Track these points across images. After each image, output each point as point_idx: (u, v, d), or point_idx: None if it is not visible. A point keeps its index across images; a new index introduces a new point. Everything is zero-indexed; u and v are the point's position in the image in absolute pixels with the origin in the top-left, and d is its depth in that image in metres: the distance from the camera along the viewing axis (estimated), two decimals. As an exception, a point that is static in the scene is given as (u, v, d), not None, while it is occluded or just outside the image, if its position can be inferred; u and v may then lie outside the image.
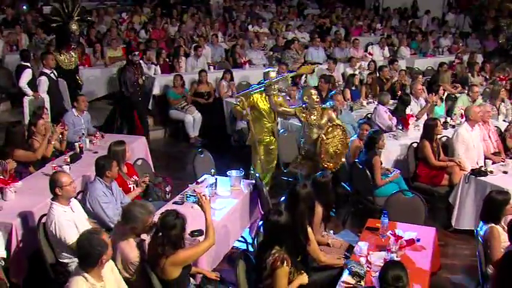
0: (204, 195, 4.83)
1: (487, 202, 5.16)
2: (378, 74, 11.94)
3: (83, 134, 7.74)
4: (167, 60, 11.99)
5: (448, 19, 20.85)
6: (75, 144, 7.23)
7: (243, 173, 6.49)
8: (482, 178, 6.88)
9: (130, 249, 4.40)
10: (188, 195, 5.71)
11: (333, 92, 9.36)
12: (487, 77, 12.63)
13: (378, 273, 4.42)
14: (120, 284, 4.09)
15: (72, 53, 9.24)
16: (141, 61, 11.39)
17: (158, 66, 11.46)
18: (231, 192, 6.17)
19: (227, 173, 6.46)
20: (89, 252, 3.72)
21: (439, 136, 7.73)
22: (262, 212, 6.63)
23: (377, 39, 16.58)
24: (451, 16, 21.11)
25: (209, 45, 13.41)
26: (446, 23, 20.09)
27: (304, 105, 7.15)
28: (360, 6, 21.70)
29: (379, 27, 18.30)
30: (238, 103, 7.67)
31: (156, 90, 11.16)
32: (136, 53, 9.84)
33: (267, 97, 7.41)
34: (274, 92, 7.44)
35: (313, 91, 7.21)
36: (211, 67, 12.19)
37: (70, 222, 4.91)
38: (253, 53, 13.17)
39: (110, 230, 5.37)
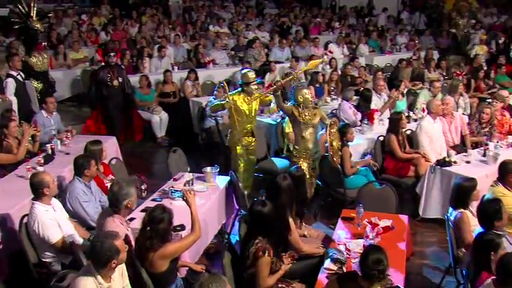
0: (188, 191, 4.92)
1: (456, 189, 5.40)
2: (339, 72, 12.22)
3: (54, 135, 7.71)
4: (131, 61, 11.97)
5: (403, 17, 21.37)
6: (47, 145, 7.22)
7: (218, 169, 6.60)
8: (447, 168, 7.15)
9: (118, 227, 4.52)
10: (173, 191, 5.79)
11: (294, 88, 9.52)
12: (444, 73, 13.01)
13: (357, 260, 4.64)
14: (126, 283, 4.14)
15: (44, 54, 9.12)
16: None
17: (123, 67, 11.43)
18: (208, 189, 6.27)
19: (202, 169, 6.57)
20: (99, 255, 3.75)
21: (404, 129, 7.98)
22: (238, 207, 6.79)
23: (335, 38, 16.91)
24: (405, 14, 21.65)
25: (172, 46, 13.43)
26: (401, 21, 20.58)
27: (297, 104, 7.01)
28: (317, 5, 22.03)
29: (337, 26, 18.65)
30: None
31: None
32: (112, 54, 9.81)
33: (246, 98, 7.27)
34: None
35: (307, 90, 7.16)
36: (176, 67, 12.23)
37: (53, 221, 4.93)
38: (216, 53, 13.26)
39: (90, 229, 5.46)
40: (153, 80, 11.23)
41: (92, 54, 12.83)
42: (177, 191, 5.71)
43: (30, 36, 9.01)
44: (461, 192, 5.33)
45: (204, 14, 17.82)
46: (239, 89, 7.36)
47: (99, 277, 3.78)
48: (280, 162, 8.14)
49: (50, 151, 7.13)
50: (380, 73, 11.95)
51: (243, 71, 7.53)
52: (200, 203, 5.84)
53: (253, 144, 7.54)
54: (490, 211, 4.75)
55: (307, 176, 6.69)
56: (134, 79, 11.01)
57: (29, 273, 5.06)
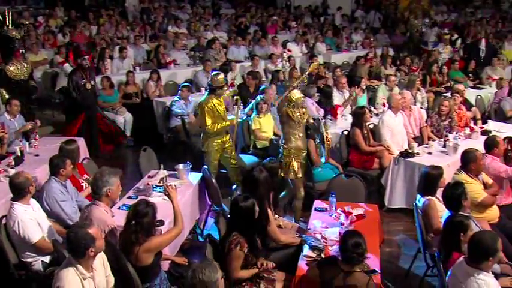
0: (170, 185, 5.03)
1: (423, 177, 5.66)
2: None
3: (23, 137, 7.68)
4: (93, 62, 11.92)
5: (358, 16, 21.80)
6: (16, 147, 7.18)
7: (190, 166, 6.71)
8: (410, 159, 7.44)
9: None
10: (155, 186, 5.87)
11: (263, 87, 9.72)
12: (406, 70, 13.38)
13: (334, 247, 4.85)
14: (109, 278, 4.21)
15: (23, 63, 8.93)
16: (67, 64, 11.38)
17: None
18: (181, 185, 6.37)
19: (175, 167, 6.66)
20: (75, 245, 3.82)
21: (367, 123, 8.24)
22: (210, 203, 6.91)
23: (293, 37, 17.21)
24: (359, 13, 22.09)
25: (132, 47, 13.42)
26: (356, 20, 21.01)
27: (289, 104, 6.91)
28: (272, 5, 22.25)
29: (293, 25, 18.88)
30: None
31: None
32: (86, 57, 9.72)
33: (218, 99, 7.37)
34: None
35: (298, 93, 7.01)
36: (137, 68, 12.23)
37: (33, 221, 4.96)
38: (177, 53, 13.32)
39: (68, 228, 5.48)
40: (115, 81, 11.19)
41: (51, 56, 12.73)
42: (158, 186, 5.79)
43: (7, 44, 8.81)
44: (429, 180, 5.59)
45: (162, 15, 17.80)
46: (207, 92, 7.42)
47: (79, 267, 3.85)
48: (247, 159, 8.30)
49: (19, 153, 7.10)
50: (339, 70, 12.27)
51: (213, 74, 7.54)
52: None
53: (228, 141, 7.60)
54: (456, 194, 5.02)
55: (300, 175, 6.77)
56: (96, 80, 10.96)
57: (9, 274, 5.06)
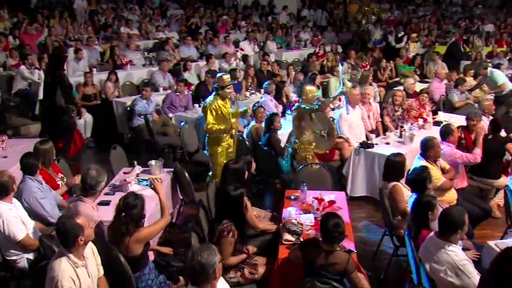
0: (155, 179, 5.22)
1: (388, 164, 6.03)
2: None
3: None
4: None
5: (304, 14, 22.27)
6: (-17, 150, 7.21)
7: (162, 161, 6.90)
8: (369, 150, 7.84)
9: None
10: (140, 180, 6.02)
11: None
12: (353, 63, 13.87)
13: (310, 231, 5.16)
14: (99, 267, 4.36)
15: None
16: (23, 66, 11.31)
17: (41, 71, 11.33)
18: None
19: (148, 163, 6.83)
20: (64, 235, 3.97)
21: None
22: (181, 197, 7.11)
23: (243, 36, 17.52)
24: (305, 12, 22.57)
25: (85, 48, 13.38)
26: (304, 18, 21.47)
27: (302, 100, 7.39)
28: (220, 5, 22.45)
29: (243, 25, 19.17)
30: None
31: (41, 95, 11.03)
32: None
33: (227, 100, 7.50)
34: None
35: (313, 88, 7.55)
36: (94, 69, 12.24)
37: (17, 219, 5.05)
38: (132, 54, 13.38)
39: (49, 225, 5.60)
40: (72, 82, 11.16)
41: (3, 59, 12.60)
42: (144, 179, 5.95)
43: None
44: (393, 167, 5.97)
45: (112, 16, 17.75)
46: (213, 93, 7.50)
47: (71, 256, 4.00)
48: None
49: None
50: (292, 68, 12.65)
51: (219, 75, 7.66)
52: (150, 195, 6.14)
53: (232, 145, 7.70)
54: (422, 177, 5.42)
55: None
56: (53, 82, 10.95)
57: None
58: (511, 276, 3.57)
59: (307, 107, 7.19)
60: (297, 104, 7.50)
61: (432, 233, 4.51)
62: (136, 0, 20.82)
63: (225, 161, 7.14)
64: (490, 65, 12.55)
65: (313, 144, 7.30)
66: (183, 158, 8.69)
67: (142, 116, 9.57)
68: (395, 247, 5.82)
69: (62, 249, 4.03)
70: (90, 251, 4.26)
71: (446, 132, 6.94)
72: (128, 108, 10.16)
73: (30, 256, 5.22)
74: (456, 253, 4.26)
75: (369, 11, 17.10)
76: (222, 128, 7.35)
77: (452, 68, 13.29)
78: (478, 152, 6.80)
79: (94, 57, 13.55)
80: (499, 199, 7.27)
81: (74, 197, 5.32)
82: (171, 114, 10.13)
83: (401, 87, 10.82)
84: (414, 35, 16.97)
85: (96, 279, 4.28)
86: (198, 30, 17.59)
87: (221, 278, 3.89)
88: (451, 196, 6.26)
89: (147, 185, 5.89)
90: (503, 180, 7.23)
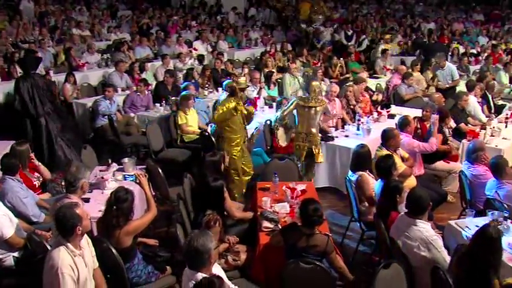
0: (140, 174, 5.45)
1: (355, 156, 6.46)
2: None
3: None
4: (5, 67, 11.81)
5: (251, 14, 22.62)
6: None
7: (135, 159, 7.11)
8: (330, 142, 8.24)
9: None
10: (127, 176, 6.21)
11: (185, 84, 10.25)
12: (305, 61, 14.33)
13: (287, 218, 5.51)
14: (94, 259, 4.53)
15: None
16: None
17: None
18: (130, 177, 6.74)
19: (121, 160, 7.02)
20: (63, 224, 4.14)
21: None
22: (153, 194, 7.32)
23: (194, 36, 17.75)
24: (253, 11, 22.93)
25: (38, 51, 13.32)
26: (253, 17, 21.83)
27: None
28: (167, 5, 22.51)
29: (194, 25, 19.37)
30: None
31: (-1, 99, 11.00)
32: None
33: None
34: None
35: (317, 83, 7.81)
36: (51, 71, 12.23)
37: (6, 217, 5.16)
38: (89, 56, 13.42)
39: (32, 224, 5.74)
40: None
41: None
42: (130, 175, 6.14)
43: None
44: (359, 158, 6.40)
45: (63, 17, 17.63)
46: (225, 94, 7.66)
47: (69, 245, 4.18)
48: (179, 152, 8.78)
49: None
50: (246, 66, 12.98)
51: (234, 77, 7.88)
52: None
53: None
54: (387, 165, 5.87)
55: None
56: (10, 85, 10.90)
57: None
58: (485, 251, 4.04)
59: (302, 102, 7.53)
60: (294, 99, 7.78)
61: (403, 213, 4.94)
62: (84, 2, 20.67)
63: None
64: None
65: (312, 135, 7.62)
66: (147, 156, 8.89)
67: (106, 116, 9.69)
68: (362, 231, 6.23)
69: (60, 238, 4.20)
70: (86, 242, 4.45)
71: (404, 123, 7.43)
72: (91, 109, 10.24)
73: (16, 254, 5.32)
74: (427, 229, 4.71)
75: (320, 10, 17.54)
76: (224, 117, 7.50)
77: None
78: (433, 141, 7.32)
79: (48, 59, 13.48)
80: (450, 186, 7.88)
81: (61, 195, 5.46)
82: (132, 114, 10.30)
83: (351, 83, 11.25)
84: (388, 36, 17.51)
85: (92, 269, 4.47)
86: (149, 30, 17.69)
87: (216, 263, 4.16)
88: (411, 182, 6.70)
89: (132, 180, 6.09)
90: (455, 165, 7.83)
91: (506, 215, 5.30)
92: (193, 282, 3.81)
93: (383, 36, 18.68)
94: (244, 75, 9.40)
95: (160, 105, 10.37)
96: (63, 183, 6.80)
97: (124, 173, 6.42)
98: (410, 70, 12.23)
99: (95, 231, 5.14)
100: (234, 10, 21.93)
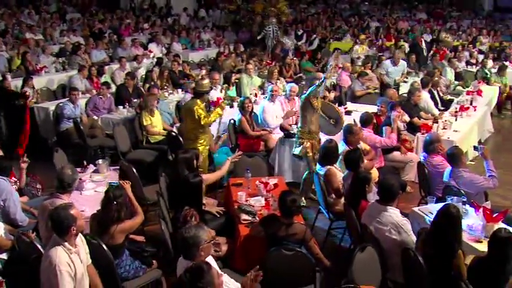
0: (124, 182, 5.69)
1: (323, 150, 6.85)
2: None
3: None
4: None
5: (202, 15, 22.83)
6: None
7: (109, 160, 7.30)
8: (292, 139, 8.59)
9: None
10: (111, 183, 6.35)
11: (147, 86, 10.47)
12: (254, 60, 14.67)
13: (263, 210, 5.85)
14: (88, 256, 4.75)
15: None
16: None
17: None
18: (105, 179, 6.95)
19: (95, 162, 7.21)
20: (59, 224, 4.37)
21: (250, 111, 9.29)
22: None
23: (145, 38, 17.89)
24: (203, 12, 23.16)
25: (-9, 55, 13.25)
26: (203, 19, 22.05)
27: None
28: (116, 7, 22.48)
29: (146, 27, 19.45)
30: None
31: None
32: None
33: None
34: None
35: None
36: (8, 76, 12.16)
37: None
38: (46, 59, 13.40)
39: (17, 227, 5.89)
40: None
41: None
42: (114, 182, 6.28)
43: None
44: (327, 152, 6.81)
45: (14, 21, 17.45)
46: (193, 96, 7.98)
47: (66, 244, 4.40)
48: (146, 153, 9.00)
49: None
50: (204, 67, 13.25)
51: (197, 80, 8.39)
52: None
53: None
54: (355, 157, 6.31)
55: (310, 154, 7.63)
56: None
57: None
58: (448, 227, 4.51)
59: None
60: (303, 95, 7.91)
61: (373, 201, 5.37)
62: (32, 5, 20.45)
63: None
64: (383, 58, 13.90)
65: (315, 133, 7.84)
66: (113, 158, 9.04)
67: (71, 120, 9.79)
68: (331, 221, 6.63)
69: (56, 238, 4.42)
70: (80, 240, 4.67)
71: (366, 119, 7.91)
72: (54, 112, 10.31)
73: (4, 256, 5.44)
74: (397, 215, 5.15)
75: (272, 12, 17.90)
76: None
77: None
78: (394, 136, 7.84)
79: (2, 63, 13.39)
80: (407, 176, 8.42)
81: (50, 195, 5.62)
82: (96, 117, 10.42)
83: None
84: (363, 36, 18.01)
85: (86, 266, 4.70)
86: (101, 34, 17.70)
87: (210, 256, 4.46)
88: (374, 174, 7.12)
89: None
90: (411, 156, 8.42)
91: (464, 199, 5.81)
92: (186, 270, 4.13)
93: (332, 35, 19.32)
94: (201, 77, 9.67)
95: (124, 108, 10.53)
96: (38, 187, 7.04)
97: (110, 181, 6.56)
98: (363, 68, 12.78)
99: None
100: (186, 11, 22.09)
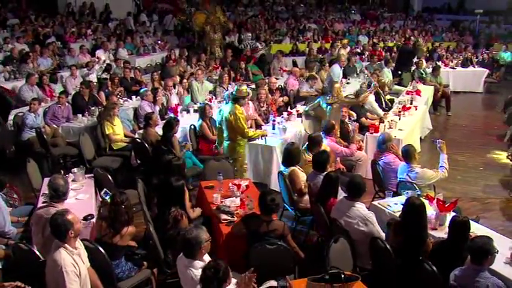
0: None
1: (286, 153, 7.42)
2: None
3: None
4: None
5: (143, 20, 22.95)
6: None
7: (85, 168, 7.64)
8: (252, 142, 9.03)
9: None
10: (105, 194, 6.67)
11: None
12: (200, 64, 15.16)
13: (239, 210, 6.37)
14: (86, 259, 5.11)
15: None
16: None
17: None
18: (83, 186, 7.30)
19: (71, 171, 7.53)
20: (57, 229, 4.77)
21: (209, 116, 9.75)
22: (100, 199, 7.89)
23: (91, 44, 17.98)
24: (144, 17, 23.29)
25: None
26: (143, 23, 22.21)
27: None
28: (53, 11, 22.27)
29: (89, 33, 19.48)
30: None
31: None
32: None
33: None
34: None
35: (339, 86, 9.10)
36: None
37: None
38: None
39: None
40: None
41: None
42: (108, 193, 6.60)
43: None
44: (290, 154, 7.38)
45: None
46: (231, 102, 8.33)
47: (67, 246, 4.79)
48: (110, 160, 9.34)
49: None
50: (156, 74, 13.56)
51: (237, 86, 8.83)
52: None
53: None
54: (323, 158, 6.92)
55: None
56: None
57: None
58: (415, 217, 5.23)
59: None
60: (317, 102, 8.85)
61: (342, 198, 6.02)
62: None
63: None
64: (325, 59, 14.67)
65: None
66: (75, 166, 9.28)
67: (33, 129, 9.95)
68: (298, 217, 7.24)
69: (58, 242, 4.80)
70: (79, 243, 5.04)
71: (329, 129, 8.54)
72: (13, 122, 10.47)
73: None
74: (363, 209, 5.84)
75: (214, 21, 18.29)
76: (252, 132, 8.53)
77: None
78: (354, 147, 8.62)
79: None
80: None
81: (44, 204, 5.95)
82: (55, 126, 10.60)
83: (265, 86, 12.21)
84: (345, 40, 18.56)
85: (86, 268, 5.11)
86: (46, 38, 17.65)
87: (207, 255, 4.96)
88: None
89: (110, 198, 6.57)
90: (361, 154, 9.13)
91: (418, 193, 6.54)
92: (192, 268, 4.69)
93: (272, 38, 19.96)
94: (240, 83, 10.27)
95: (83, 116, 10.77)
96: (15, 196, 7.32)
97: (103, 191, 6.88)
98: (307, 71, 13.47)
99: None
100: (130, 15, 22.19)
